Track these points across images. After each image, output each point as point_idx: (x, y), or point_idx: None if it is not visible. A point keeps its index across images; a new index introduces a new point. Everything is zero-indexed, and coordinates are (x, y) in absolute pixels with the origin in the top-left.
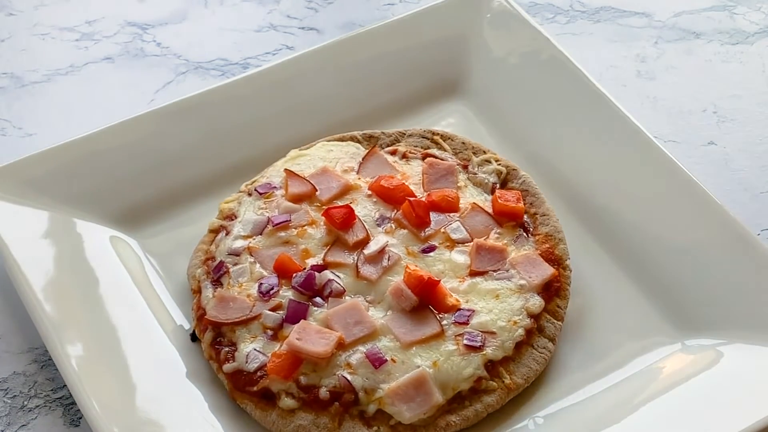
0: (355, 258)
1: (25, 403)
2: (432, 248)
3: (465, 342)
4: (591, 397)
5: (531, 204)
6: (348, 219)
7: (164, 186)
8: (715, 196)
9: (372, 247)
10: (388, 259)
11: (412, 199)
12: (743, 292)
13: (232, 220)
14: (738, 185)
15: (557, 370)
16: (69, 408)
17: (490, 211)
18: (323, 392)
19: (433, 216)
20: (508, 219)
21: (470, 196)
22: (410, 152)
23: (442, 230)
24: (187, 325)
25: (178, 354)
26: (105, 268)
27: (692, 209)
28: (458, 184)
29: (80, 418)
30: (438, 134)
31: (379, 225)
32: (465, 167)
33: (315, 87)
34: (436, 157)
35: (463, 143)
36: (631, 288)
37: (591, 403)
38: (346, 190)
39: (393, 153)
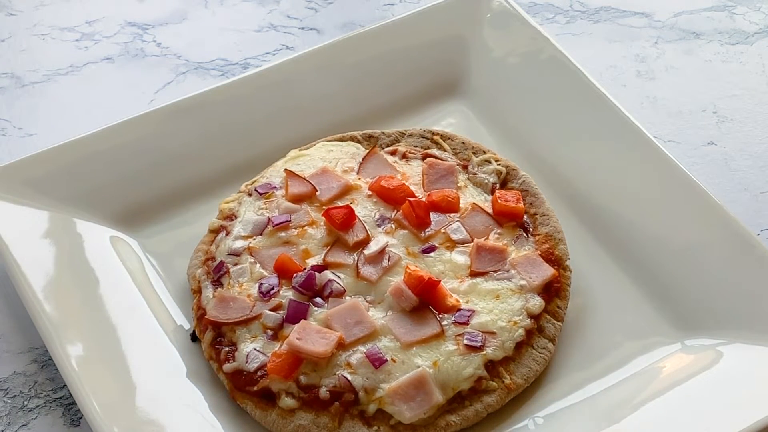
0: (356, 258)
1: (25, 403)
2: (432, 248)
3: (465, 342)
4: (591, 397)
5: (531, 204)
6: (348, 219)
7: (164, 186)
8: (715, 196)
9: (372, 248)
10: (389, 260)
11: (412, 199)
12: (743, 292)
13: (232, 220)
14: (738, 185)
15: (557, 370)
16: (69, 408)
17: (490, 211)
18: (323, 392)
19: (433, 216)
20: (508, 219)
21: (470, 196)
22: (410, 152)
23: (443, 230)
24: (187, 325)
25: (178, 354)
26: (105, 268)
27: (692, 209)
28: (458, 184)
29: (80, 418)
30: (438, 134)
31: (379, 225)
32: (465, 167)
33: (315, 87)
34: (436, 157)
35: (463, 143)
36: (631, 288)
37: (591, 403)
38: (347, 190)
39: (393, 153)
